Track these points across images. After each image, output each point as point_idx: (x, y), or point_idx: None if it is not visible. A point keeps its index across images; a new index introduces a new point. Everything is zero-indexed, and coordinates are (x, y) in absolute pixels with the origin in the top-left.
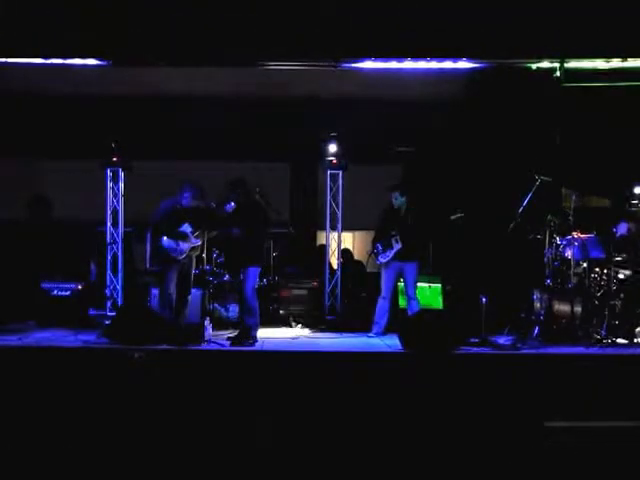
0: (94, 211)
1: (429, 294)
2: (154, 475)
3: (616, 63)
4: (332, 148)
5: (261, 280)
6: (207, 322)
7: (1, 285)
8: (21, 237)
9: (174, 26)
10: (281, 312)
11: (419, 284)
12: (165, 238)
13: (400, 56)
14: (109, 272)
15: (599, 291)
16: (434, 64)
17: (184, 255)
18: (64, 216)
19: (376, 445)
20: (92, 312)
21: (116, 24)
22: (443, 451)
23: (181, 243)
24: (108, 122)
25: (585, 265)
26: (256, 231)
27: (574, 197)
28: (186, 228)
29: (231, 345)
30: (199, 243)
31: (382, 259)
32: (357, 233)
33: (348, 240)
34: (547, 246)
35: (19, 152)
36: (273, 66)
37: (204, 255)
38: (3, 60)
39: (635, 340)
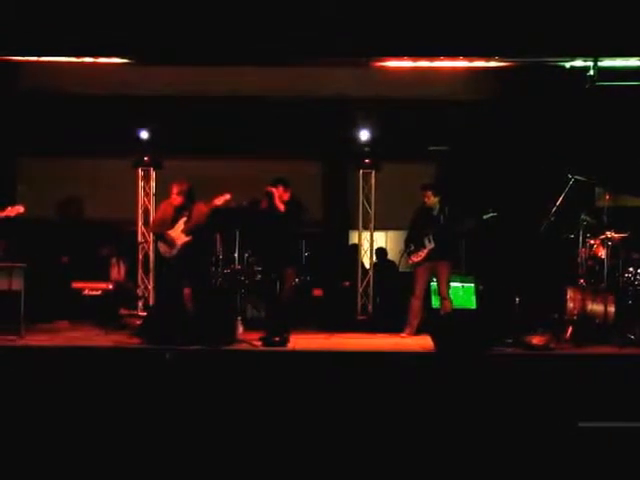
0: (126, 210)
1: (462, 294)
2: (187, 475)
3: None
4: (365, 147)
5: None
6: (239, 322)
7: (33, 285)
8: (52, 236)
9: (202, 24)
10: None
11: (452, 284)
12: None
13: (432, 55)
14: (140, 272)
15: (633, 291)
16: (466, 63)
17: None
18: (95, 215)
19: (410, 445)
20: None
21: (146, 23)
22: (477, 451)
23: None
24: (140, 121)
25: (619, 265)
26: (295, 231)
27: (608, 196)
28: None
29: (263, 345)
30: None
31: (415, 258)
32: (390, 232)
33: (381, 240)
34: (580, 246)
35: (51, 152)
36: (304, 64)
37: (235, 255)
38: (35, 59)
39: None
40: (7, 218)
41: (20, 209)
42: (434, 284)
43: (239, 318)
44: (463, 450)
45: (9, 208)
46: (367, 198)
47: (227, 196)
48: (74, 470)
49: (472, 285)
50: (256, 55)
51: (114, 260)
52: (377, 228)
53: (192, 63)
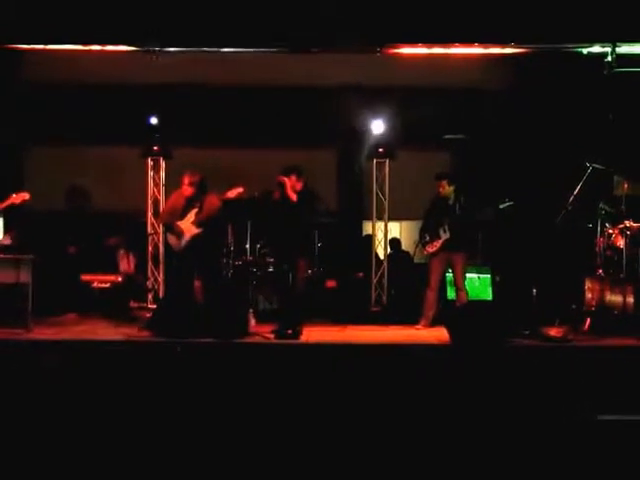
0: (135, 201)
1: (478, 285)
2: (197, 468)
3: None
4: (379, 136)
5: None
6: (251, 314)
7: (41, 277)
8: (60, 228)
9: (209, 11)
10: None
11: (468, 275)
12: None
13: (447, 41)
14: (150, 264)
15: None
16: (481, 49)
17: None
18: (104, 206)
19: (426, 437)
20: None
21: (153, 10)
22: (493, 444)
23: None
24: (149, 110)
25: (638, 254)
26: (308, 222)
27: (626, 185)
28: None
29: (275, 338)
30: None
31: (430, 249)
32: (404, 223)
33: (395, 230)
34: (599, 235)
35: (59, 141)
36: (317, 51)
37: (247, 246)
38: (41, 47)
39: None
40: (12, 205)
41: (25, 196)
42: (449, 275)
43: (251, 310)
44: (479, 442)
45: (14, 195)
46: (381, 188)
47: (240, 189)
48: (82, 464)
49: (488, 276)
50: (268, 43)
51: (123, 252)
52: (391, 218)
53: (199, 51)
